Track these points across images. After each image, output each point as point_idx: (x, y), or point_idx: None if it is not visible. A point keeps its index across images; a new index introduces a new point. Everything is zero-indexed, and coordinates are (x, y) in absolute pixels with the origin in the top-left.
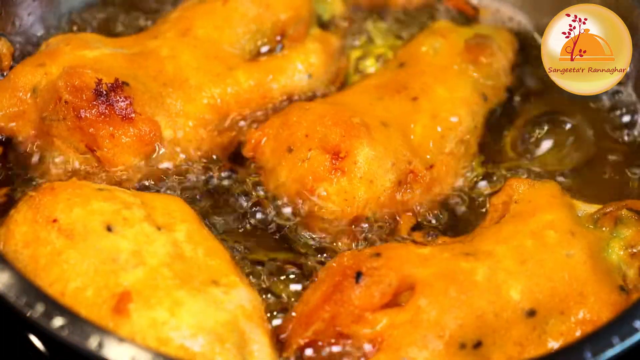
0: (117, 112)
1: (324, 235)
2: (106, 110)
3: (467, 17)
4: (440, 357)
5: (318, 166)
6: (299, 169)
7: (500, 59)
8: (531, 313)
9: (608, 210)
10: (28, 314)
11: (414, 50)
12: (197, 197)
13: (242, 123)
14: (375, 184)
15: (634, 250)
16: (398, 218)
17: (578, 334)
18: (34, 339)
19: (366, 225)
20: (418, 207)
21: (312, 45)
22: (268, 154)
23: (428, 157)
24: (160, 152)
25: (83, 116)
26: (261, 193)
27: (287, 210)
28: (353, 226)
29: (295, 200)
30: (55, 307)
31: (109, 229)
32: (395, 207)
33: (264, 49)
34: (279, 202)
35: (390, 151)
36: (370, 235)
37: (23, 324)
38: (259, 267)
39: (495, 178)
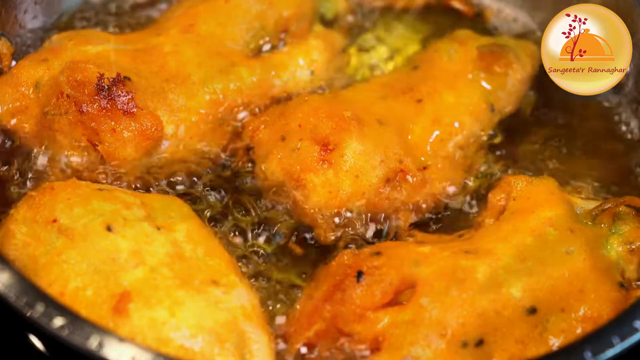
0: (118, 107)
1: (310, 227)
2: (108, 105)
3: (473, 20)
4: (442, 356)
5: (306, 157)
6: (289, 158)
7: (517, 70)
8: (532, 311)
9: (606, 206)
10: (28, 314)
11: (429, 55)
12: (198, 192)
13: (243, 114)
14: (361, 178)
15: (633, 247)
16: (383, 216)
17: (579, 330)
18: (34, 339)
19: (350, 218)
20: (415, 204)
21: (315, 42)
22: (264, 141)
23: (422, 158)
24: (162, 147)
25: (85, 110)
26: (258, 184)
27: (277, 200)
28: (337, 219)
29: (285, 189)
30: (55, 307)
31: (108, 228)
32: (381, 204)
33: (267, 46)
34: (270, 192)
35: (381, 148)
36: (354, 230)
37: (23, 324)
38: (258, 266)
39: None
